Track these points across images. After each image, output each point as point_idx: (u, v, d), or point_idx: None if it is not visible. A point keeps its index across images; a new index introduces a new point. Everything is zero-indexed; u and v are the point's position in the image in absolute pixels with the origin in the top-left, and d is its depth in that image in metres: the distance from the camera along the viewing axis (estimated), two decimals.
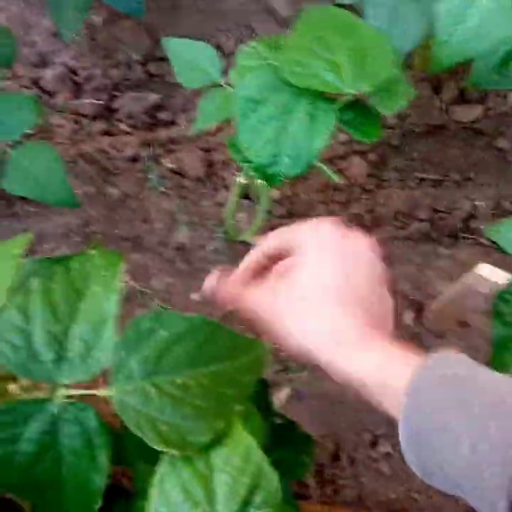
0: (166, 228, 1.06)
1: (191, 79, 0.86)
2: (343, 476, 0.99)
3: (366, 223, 1.06)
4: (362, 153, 1.17)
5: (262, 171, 0.80)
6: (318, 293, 0.48)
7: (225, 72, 0.82)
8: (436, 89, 1.20)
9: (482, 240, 1.07)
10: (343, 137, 1.19)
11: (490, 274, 0.75)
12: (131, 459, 0.52)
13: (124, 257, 0.46)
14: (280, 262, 0.53)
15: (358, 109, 0.78)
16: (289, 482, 0.67)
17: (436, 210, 1.09)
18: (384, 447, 1.01)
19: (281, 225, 1.04)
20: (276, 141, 0.79)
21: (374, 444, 1.01)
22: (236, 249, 1.04)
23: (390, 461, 1.00)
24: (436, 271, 1.01)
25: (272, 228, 0.54)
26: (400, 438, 0.43)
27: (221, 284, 0.55)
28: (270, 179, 0.80)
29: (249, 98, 0.79)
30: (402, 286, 1.02)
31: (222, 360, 0.50)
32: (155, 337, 0.47)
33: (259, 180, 0.83)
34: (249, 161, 0.75)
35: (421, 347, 1.03)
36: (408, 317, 1.00)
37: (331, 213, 1.05)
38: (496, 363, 0.87)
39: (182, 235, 1.05)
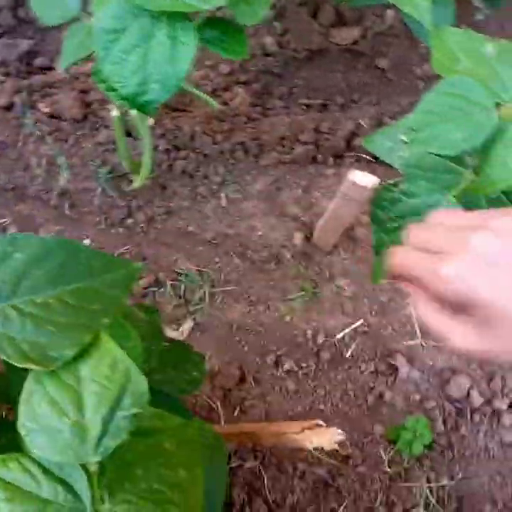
0: (48, 174, 1.05)
1: (50, 14, 0.84)
2: (250, 397, 1.04)
3: (252, 151, 1.09)
4: (245, 84, 1.19)
5: (132, 101, 0.81)
6: None
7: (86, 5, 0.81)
8: (314, 14, 1.22)
9: (366, 157, 1.12)
10: (225, 68, 1.20)
11: (361, 179, 0.80)
12: (13, 394, 0.53)
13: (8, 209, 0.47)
14: None
15: (219, 26, 0.79)
16: (182, 398, 0.70)
17: (320, 132, 1.13)
18: (287, 365, 1.06)
19: (168, 159, 1.06)
20: (141, 69, 0.79)
21: (277, 363, 1.06)
22: (122, 189, 1.05)
23: (294, 377, 1.06)
24: (322, 191, 1.06)
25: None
26: None
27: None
28: (142, 108, 0.81)
29: (108, 29, 0.78)
30: (290, 210, 1.06)
31: (84, 278, 0.51)
32: (11, 261, 0.48)
33: (133, 112, 0.84)
34: (115, 90, 0.76)
35: (312, 265, 1.07)
36: (298, 238, 1.05)
37: (215, 144, 1.07)
38: (377, 271, 0.93)
39: (65, 179, 1.05)
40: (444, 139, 0.79)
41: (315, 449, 0.74)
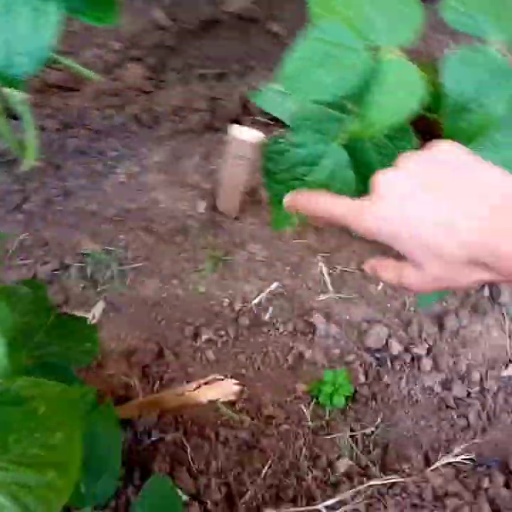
0: None
1: None
2: (169, 371, 1.04)
3: (146, 123, 1.08)
4: (138, 60, 1.18)
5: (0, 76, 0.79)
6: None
7: None
8: None
9: (263, 119, 1.12)
10: (116, 45, 1.19)
11: (244, 135, 0.80)
12: None
13: None
14: None
15: None
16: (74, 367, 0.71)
17: (215, 100, 1.13)
18: (206, 335, 1.06)
19: (58, 139, 1.04)
20: (5, 42, 0.78)
21: (196, 335, 1.06)
22: (15, 173, 1.03)
23: (214, 346, 1.06)
24: (221, 157, 1.05)
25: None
26: None
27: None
28: (12, 83, 0.79)
29: None
30: (191, 179, 1.05)
31: None
32: None
33: (7, 91, 0.82)
34: None
35: (221, 232, 1.07)
36: (202, 206, 1.05)
37: (105, 118, 1.06)
38: (278, 219, 0.93)
39: None
40: (318, 85, 0.79)
41: (210, 401, 0.74)
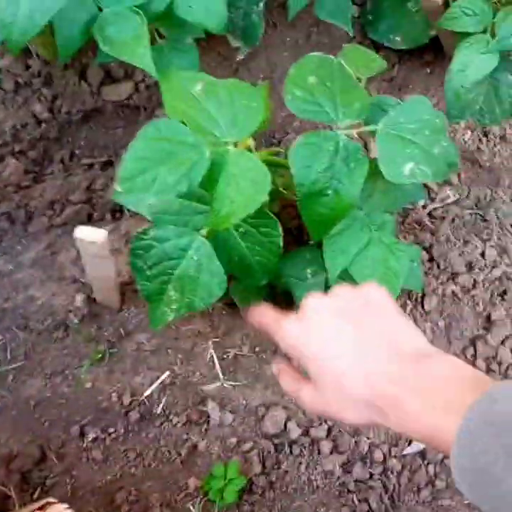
0: None
1: None
2: (52, 475, 1.00)
3: (19, 220, 1.07)
4: (20, 153, 1.18)
5: None
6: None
7: None
8: (82, 75, 1.24)
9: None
10: None
11: (88, 235, 0.79)
12: None
13: None
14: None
15: None
16: None
17: (95, 191, 1.13)
18: (92, 434, 1.03)
19: None
20: None
21: (82, 434, 1.03)
22: None
23: (101, 445, 1.03)
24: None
25: None
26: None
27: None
28: None
29: None
30: (68, 272, 1.04)
31: None
32: None
33: None
34: None
35: (105, 325, 1.05)
36: (81, 300, 1.03)
37: None
38: (154, 317, 0.92)
39: None
40: (160, 183, 0.79)
41: None
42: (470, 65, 1.10)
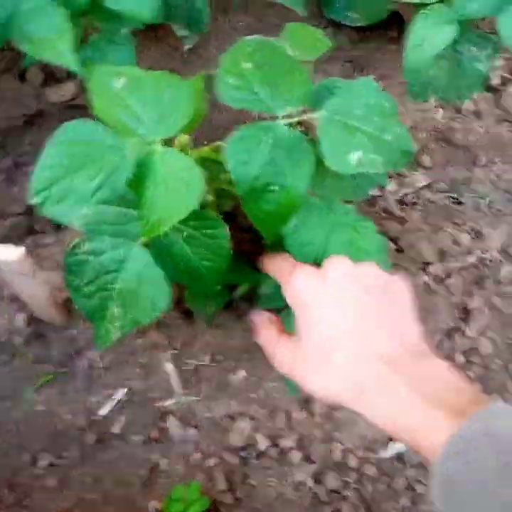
0: None
1: None
2: (4, 507, 0.94)
3: None
4: None
5: None
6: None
7: None
8: (22, 77, 1.18)
9: None
10: None
11: (3, 253, 0.73)
12: None
13: None
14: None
15: None
16: None
17: None
18: (45, 460, 0.98)
19: None
20: None
21: (35, 461, 0.97)
22: None
23: (56, 471, 0.98)
24: (43, 261, 0.99)
25: None
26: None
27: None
28: None
29: None
30: (7, 290, 0.98)
31: None
32: None
33: None
34: None
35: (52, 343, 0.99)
36: (22, 320, 0.97)
37: None
38: (99, 336, 0.87)
39: None
40: (79, 190, 0.73)
41: None
42: (427, 38, 1.02)
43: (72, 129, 0.74)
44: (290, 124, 0.81)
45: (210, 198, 0.82)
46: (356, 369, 0.50)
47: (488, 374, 1.10)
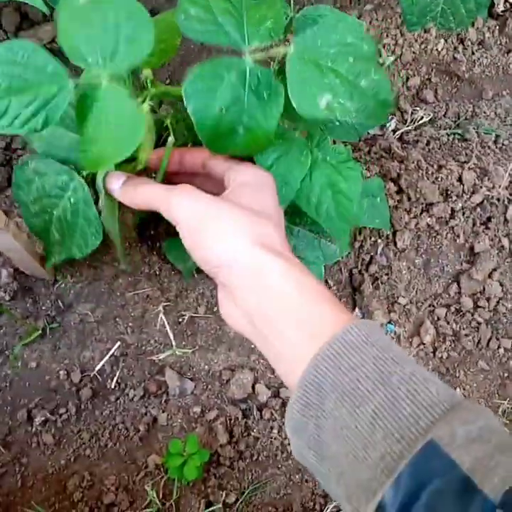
0: None
1: None
2: (0, 465, 0.93)
3: None
4: None
5: None
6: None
7: None
8: None
9: None
10: None
11: None
12: None
13: None
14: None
15: None
16: None
17: (15, 150, 1.03)
18: (42, 416, 0.96)
19: None
20: None
21: (30, 418, 0.96)
22: None
23: (52, 428, 0.97)
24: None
25: None
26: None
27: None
28: None
29: None
30: None
31: None
32: None
33: None
34: None
35: (41, 298, 0.96)
36: (7, 274, 0.94)
37: None
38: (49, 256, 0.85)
39: None
40: (11, 115, 0.66)
41: None
42: None
43: (11, 48, 0.67)
44: (259, 61, 0.74)
45: (173, 139, 0.75)
46: (244, 237, 0.56)
47: (497, 317, 1.07)
